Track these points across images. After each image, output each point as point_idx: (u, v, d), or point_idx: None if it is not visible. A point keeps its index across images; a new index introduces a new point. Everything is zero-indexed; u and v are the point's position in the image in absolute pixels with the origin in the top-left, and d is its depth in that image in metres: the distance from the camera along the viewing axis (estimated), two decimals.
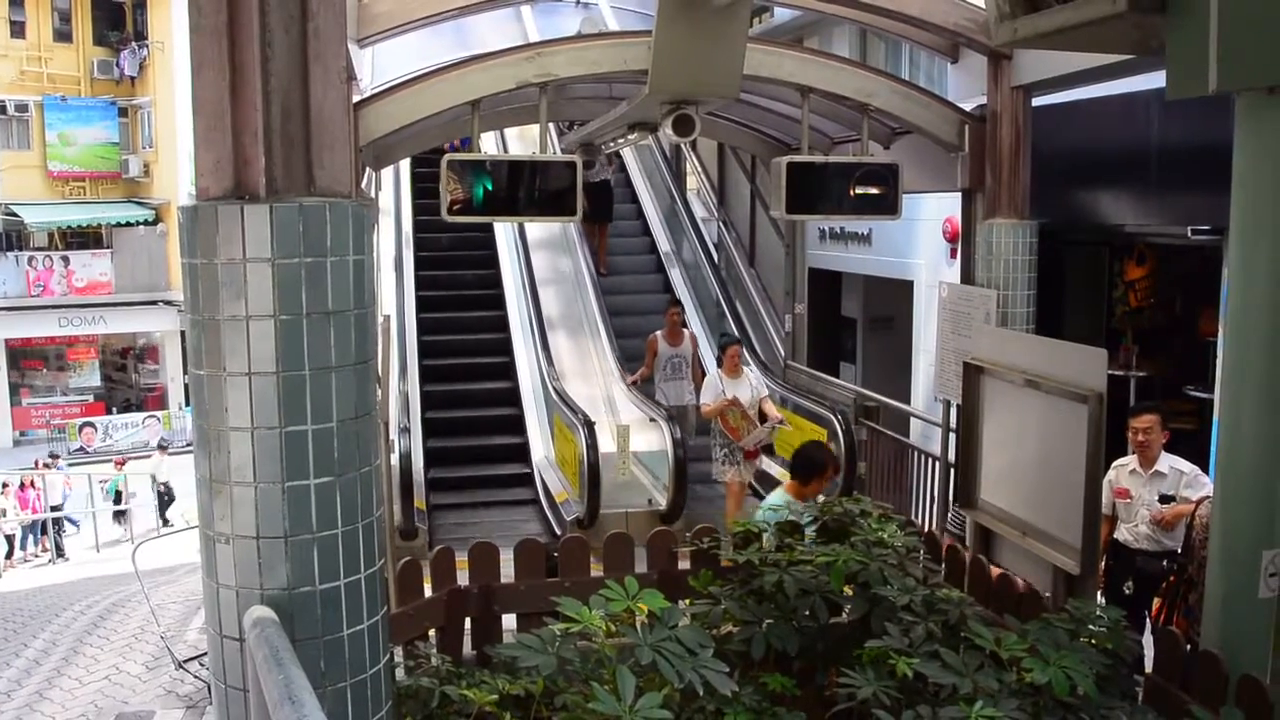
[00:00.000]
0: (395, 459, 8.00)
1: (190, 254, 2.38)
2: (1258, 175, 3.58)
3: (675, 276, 13.29)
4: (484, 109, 6.52)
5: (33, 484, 18.31)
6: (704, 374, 9.38)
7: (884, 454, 8.61)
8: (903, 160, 7.12)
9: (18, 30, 25.38)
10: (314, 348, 2.37)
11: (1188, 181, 6.91)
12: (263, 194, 2.37)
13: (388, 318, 7.44)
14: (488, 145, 12.48)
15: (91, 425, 25.40)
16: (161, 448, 20.56)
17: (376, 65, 8.92)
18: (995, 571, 4.28)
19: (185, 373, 22.07)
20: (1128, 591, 5.64)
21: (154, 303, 25.83)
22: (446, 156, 6.25)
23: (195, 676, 6.26)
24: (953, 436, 6.77)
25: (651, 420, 9.23)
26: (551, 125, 10.03)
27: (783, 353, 11.20)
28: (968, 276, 7.29)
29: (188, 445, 12.27)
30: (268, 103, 2.37)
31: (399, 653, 3.53)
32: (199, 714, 5.85)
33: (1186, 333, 8.84)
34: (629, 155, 14.85)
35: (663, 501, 8.66)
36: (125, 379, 28.07)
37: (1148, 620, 5.45)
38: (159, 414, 26.50)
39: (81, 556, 16.62)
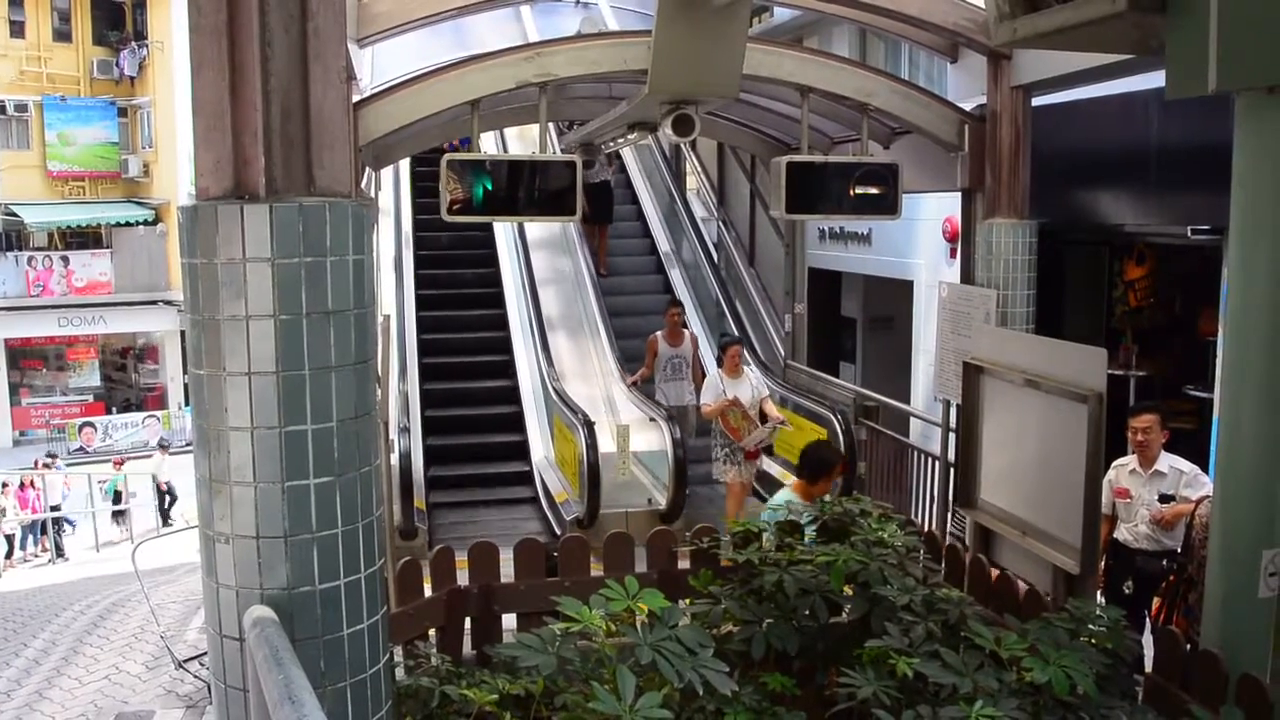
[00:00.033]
0: (395, 459, 8.01)
1: (190, 254, 2.38)
2: (1257, 175, 3.58)
3: (675, 276, 13.29)
4: (483, 109, 6.52)
5: (32, 484, 18.31)
6: (704, 374, 9.37)
7: (884, 454, 8.61)
8: (902, 160, 7.12)
9: (17, 30, 25.38)
10: (314, 347, 2.37)
11: (1187, 181, 6.91)
12: (262, 194, 2.36)
13: (387, 317, 7.45)
14: (487, 145, 12.51)
15: (91, 425, 25.40)
16: (163, 447, 20.57)
17: (376, 65, 8.92)
18: (994, 571, 4.28)
19: (185, 372, 22.06)
20: (1127, 591, 5.65)
21: (154, 303, 25.84)
22: (446, 156, 6.24)
23: (195, 676, 6.26)
24: (952, 436, 6.77)
25: (651, 420, 9.23)
26: (551, 125, 10.04)
27: (782, 352, 11.19)
28: (967, 276, 7.29)
29: (188, 445, 12.28)
30: (267, 103, 2.37)
31: (399, 652, 3.53)
32: (199, 714, 5.85)
33: (1186, 332, 8.84)
34: (629, 155, 14.85)
35: (662, 501, 8.67)
36: (125, 379, 28.06)
37: (1147, 620, 5.45)
38: (159, 414, 26.51)
39: (81, 556, 16.62)
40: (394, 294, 11.39)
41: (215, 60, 2.38)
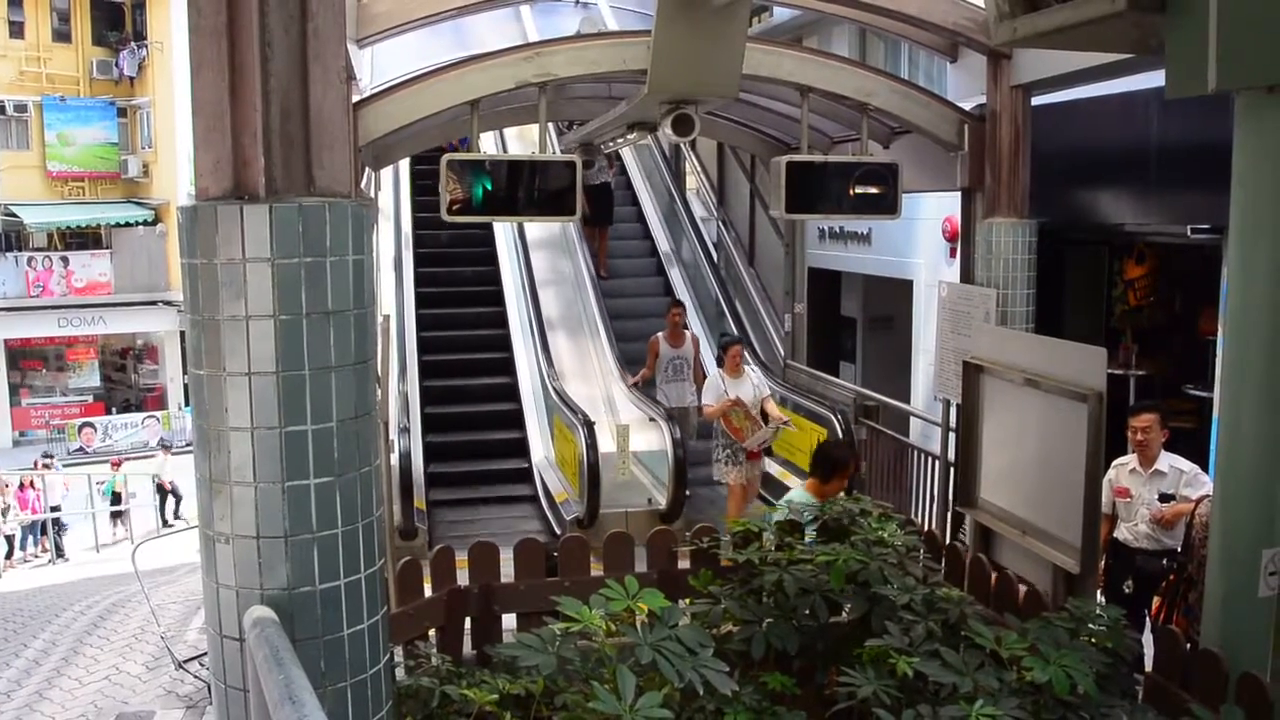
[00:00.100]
0: (395, 459, 8.01)
1: (190, 254, 2.38)
2: (1257, 174, 3.58)
3: (675, 276, 13.30)
4: (483, 109, 6.52)
5: (32, 484, 18.31)
6: (705, 376, 9.36)
7: (884, 453, 8.61)
8: (902, 160, 7.12)
9: (17, 30, 25.37)
10: (314, 348, 2.37)
11: (1187, 180, 6.91)
12: (262, 194, 2.36)
13: (387, 318, 7.45)
14: (487, 145, 12.52)
15: (91, 425, 25.41)
16: (165, 448, 20.58)
17: (376, 65, 8.93)
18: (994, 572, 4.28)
19: (185, 373, 22.08)
20: (1127, 590, 5.64)
21: (153, 303, 25.84)
22: (446, 156, 6.24)
23: (195, 676, 6.26)
24: (952, 436, 6.77)
25: (651, 420, 9.24)
26: (551, 125, 10.04)
27: (782, 352, 11.20)
28: (967, 276, 7.29)
29: (188, 445, 12.28)
30: (267, 103, 2.37)
31: (399, 652, 3.53)
32: (199, 714, 5.85)
33: (1186, 331, 8.84)
34: (629, 155, 14.86)
35: (662, 501, 8.67)
36: (125, 379, 28.07)
37: (1147, 619, 5.45)
38: (158, 414, 26.51)
39: (81, 557, 16.63)
40: (394, 293, 11.41)
41: (215, 61, 2.38)
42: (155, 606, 8.52)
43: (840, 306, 12.70)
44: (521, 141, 13.59)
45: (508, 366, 11.41)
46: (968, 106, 7.14)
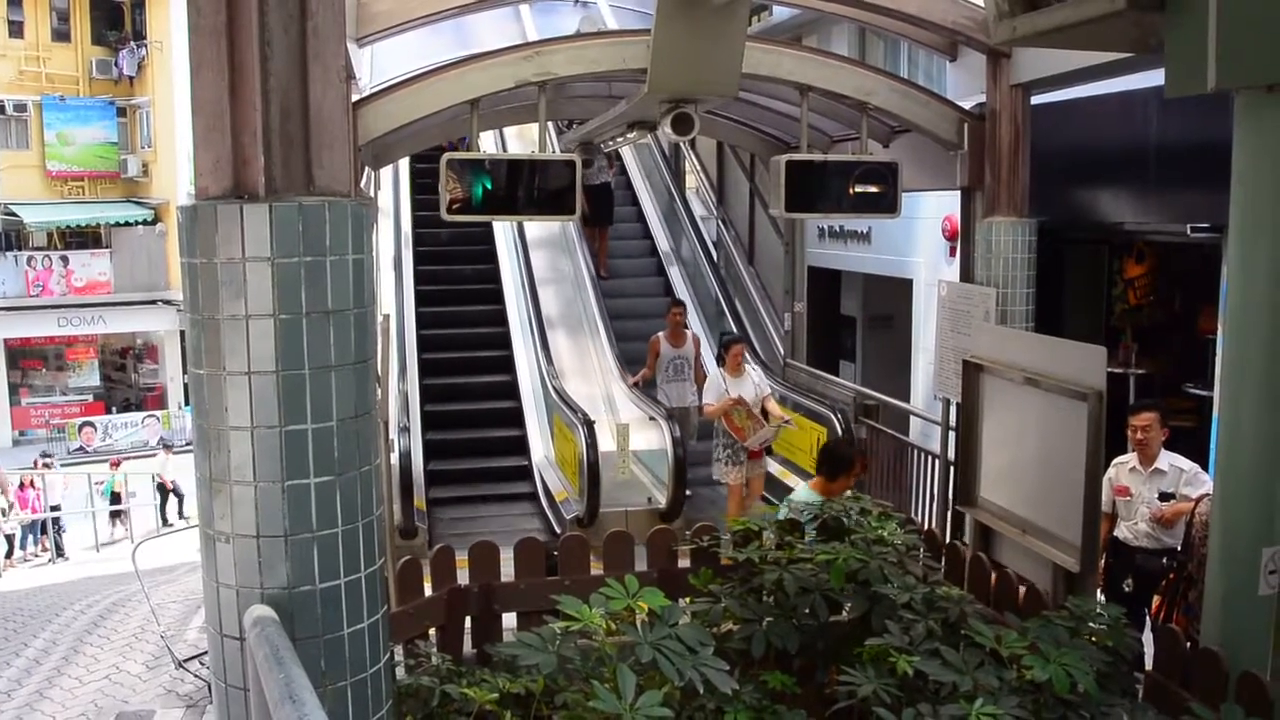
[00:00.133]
0: (395, 458, 8.01)
1: (189, 253, 2.38)
2: (1257, 173, 3.58)
3: (675, 275, 13.30)
4: (483, 108, 6.52)
5: (32, 484, 18.31)
6: (706, 376, 9.35)
7: (884, 452, 8.61)
8: (902, 158, 7.12)
9: (16, 30, 25.37)
10: (314, 347, 2.37)
11: (1187, 179, 6.91)
12: (262, 193, 2.36)
13: (387, 317, 7.45)
14: (486, 145, 12.52)
15: (91, 425, 25.41)
16: (167, 447, 20.59)
17: (375, 64, 8.92)
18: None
19: (185, 372, 22.07)
20: (1127, 589, 5.65)
21: (153, 302, 25.84)
22: (445, 156, 6.23)
23: (195, 676, 6.26)
24: (952, 435, 6.77)
25: (651, 419, 9.24)
26: (550, 124, 10.05)
27: (782, 351, 11.20)
28: (967, 275, 7.29)
29: (189, 444, 12.29)
30: (267, 102, 2.37)
31: (399, 651, 3.53)
32: (199, 713, 5.85)
33: (1186, 330, 8.84)
34: (628, 154, 14.86)
35: (662, 500, 8.67)
36: (125, 378, 28.07)
37: (1147, 618, 5.45)
38: (158, 413, 26.51)
39: (81, 556, 16.63)
40: (393, 292, 11.41)
41: (214, 60, 2.38)
42: (155, 606, 8.53)
43: (840, 305, 12.70)
44: (521, 140, 13.59)
45: (508, 364, 11.42)
46: (967, 105, 7.14)
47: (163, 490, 18.91)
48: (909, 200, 7.42)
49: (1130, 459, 5.78)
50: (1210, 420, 6.67)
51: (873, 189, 6.92)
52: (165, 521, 18.36)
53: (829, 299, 12.41)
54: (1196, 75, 3.58)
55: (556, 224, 12.84)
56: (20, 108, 25.37)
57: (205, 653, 5.60)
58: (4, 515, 16.88)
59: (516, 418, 10.81)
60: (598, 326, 11.68)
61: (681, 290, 12.80)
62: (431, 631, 3.99)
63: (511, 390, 11.13)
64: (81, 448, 24.64)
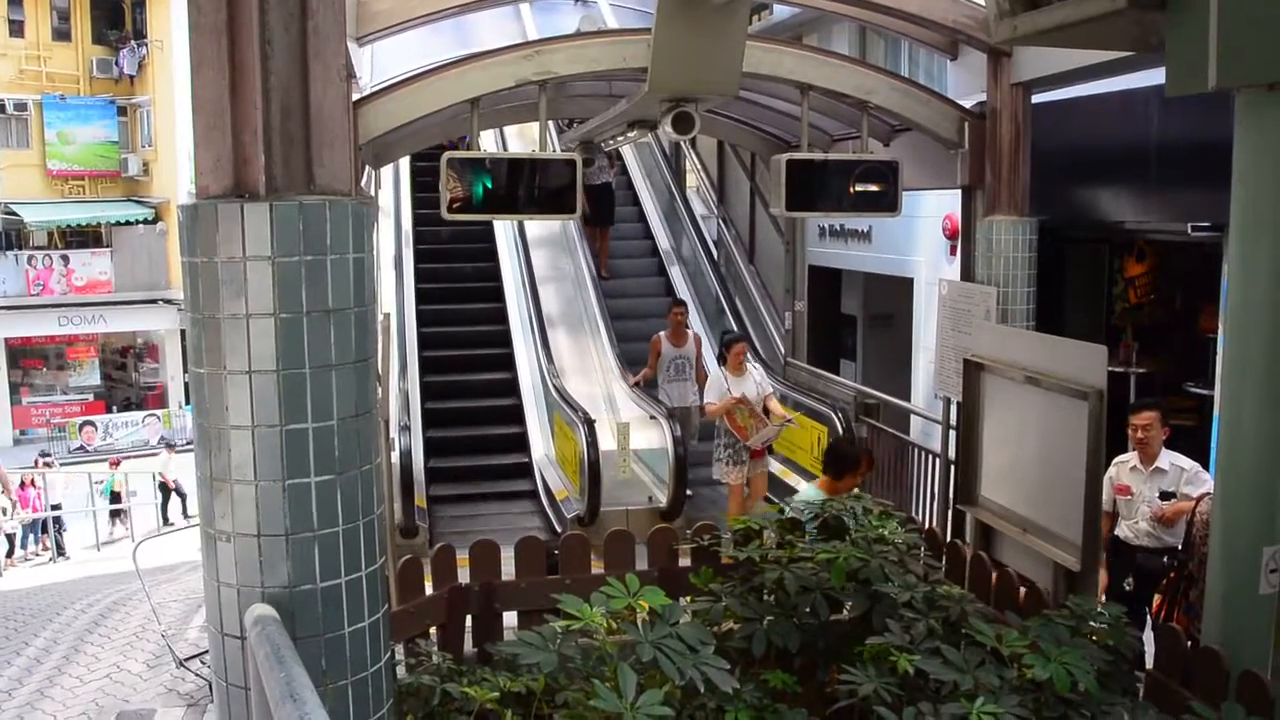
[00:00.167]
0: (395, 457, 8.01)
1: (190, 252, 2.38)
2: (1258, 172, 3.58)
3: (675, 274, 13.30)
4: (483, 107, 6.52)
5: (33, 483, 18.32)
6: (707, 376, 9.34)
7: (884, 451, 8.61)
8: (902, 157, 7.12)
9: (16, 29, 25.37)
10: (314, 346, 2.37)
11: (1187, 178, 6.91)
12: (262, 192, 2.36)
13: (387, 316, 7.45)
14: (487, 143, 12.52)
15: (91, 424, 25.42)
16: (170, 446, 20.61)
17: (376, 63, 8.93)
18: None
19: (185, 371, 22.06)
20: (1128, 588, 5.65)
21: (154, 301, 25.85)
22: (446, 154, 6.23)
23: (196, 675, 6.27)
24: (953, 434, 6.77)
25: (651, 418, 9.24)
26: (551, 123, 10.04)
27: (783, 350, 11.20)
28: (968, 273, 7.29)
29: (189, 443, 12.30)
30: (267, 101, 2.37)
31: (400, 650, 3.53)
32: (200, 712, 5.86)
33: (1187, 329, 8.83)
34: (629, 154, 14.86)
35: (663, 499, 8.67)
36: (125, 378, 28.08)
37: (1148, 617, 5.45)
38: (159, 413, 26.53)
39: (82, 555, 16.64)
40: (394, 291, 11.42)
41: (215, 59, 2.38)
42: (156, 605, 8.53)
43: (841, 304, 12.70)
44: (522, 140, 13.59)
45: (508, 362, 11.43)
46: (968, 104, 7.13)
47: (165, 489, 18.92)
48: (909, 199, 7.41)
49: (1131, 458, 5.78)
50: (1211, 419, 6.67)
51: (873, 188, 6.92)
52: (167, 520, 18.37)
53: (830, 298, 12.41)
54: (1197, 74, 3.58)
55: (557, 223, 12.84)
56: (21, 107, 25.37)
57: (206, 651, 5.59)
58: (5, 514, 16.89)
59: (517, 415, 10.82)
60: (598, 326, 11.69)
61: (682, 290, 12.80)
62: (432, 630, 4.00)
63: (512, 387, 11.14)
64: (82, 447, 24.66)
